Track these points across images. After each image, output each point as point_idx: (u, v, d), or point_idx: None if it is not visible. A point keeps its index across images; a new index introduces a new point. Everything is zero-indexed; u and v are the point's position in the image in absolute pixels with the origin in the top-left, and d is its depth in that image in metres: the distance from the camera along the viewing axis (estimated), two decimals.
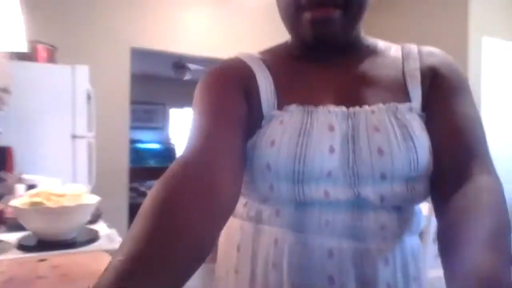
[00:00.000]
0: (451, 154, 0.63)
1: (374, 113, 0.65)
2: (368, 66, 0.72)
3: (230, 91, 0.67)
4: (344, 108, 0.65)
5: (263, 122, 0.67)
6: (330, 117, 0.64)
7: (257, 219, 0.68)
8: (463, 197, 0.55)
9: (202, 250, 0.47)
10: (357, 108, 0.65)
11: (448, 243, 0.52)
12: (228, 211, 0.56)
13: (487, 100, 3.63)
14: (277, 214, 0.65)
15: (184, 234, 0.45)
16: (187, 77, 6.78)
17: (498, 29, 3.75)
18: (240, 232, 0.71)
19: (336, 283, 0.61)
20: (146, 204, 0.48)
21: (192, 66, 6.48)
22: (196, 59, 4.70)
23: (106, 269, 0.40)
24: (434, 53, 0.72)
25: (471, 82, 0.81)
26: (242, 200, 0.72)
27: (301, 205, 0.63)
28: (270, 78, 0.70)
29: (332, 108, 0.65)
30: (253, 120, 0.67)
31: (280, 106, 0.67)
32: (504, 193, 0.55)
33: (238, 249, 0.71)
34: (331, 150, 0.61)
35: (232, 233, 0.73)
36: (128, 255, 0.40)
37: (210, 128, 0.61)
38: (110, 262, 0.41)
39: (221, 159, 0.57)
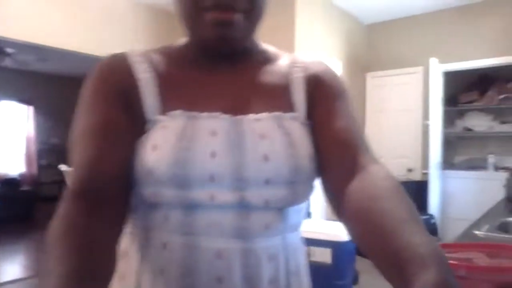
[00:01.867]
0: (340, 151, 0.67)
1: (260, 121, 0.68)
2: (258, 73, 0.74)
3: (111, 103, 0.66)
4: (230, 116, 0.67)
5: (147, 126, 0.67)
6: (213, 123, 0.66)
7: (145, 225, 0.68)
8: (369, 185, 0.59)
9: (114, 262, 0.57)
10: (243, 116, 0.68)
11: (370, 230, 0.52)
12: (123, 225, 0.61)
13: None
14: (165, 218, 0.65)
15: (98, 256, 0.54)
16: (6, 63, 5.85)
17: (318, 45, 4.35)
18: (127, 238, 0.71)
19: (224, 283, 0.63)
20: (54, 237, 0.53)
21: (10, 50, 5.62)
22: (17, 44, 4.08)
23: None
24: (317, 63, 0.77)
25: None
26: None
27: (189, 208, 0.64)
28: (155, 81, 0.69)
29: (217, 114, 0.67)
30: (137, 127, 0.66)
31: (164, 111, 0.67)
32: (389, 172, 0.62)
33: (124, 255, 0.70)
34: (213, 154, 0.63)
35: None
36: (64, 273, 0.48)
37: (95, 153, 0.62)
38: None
39: (110, 182, 0.61)
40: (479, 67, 4.71)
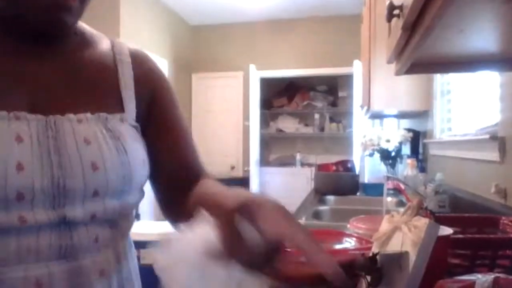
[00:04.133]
0: (180, 162, 0.67)
1: (82, 123, 0.57)
2: (78, 61, 0.63)
3: None
4: (40, 116, 0.55)
5: None
6: (18, 125, 0.53)
7: None
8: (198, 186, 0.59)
9: None
10: (58, 117, 0.56)
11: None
12: None
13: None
14: None
15: None
16: None
17: (143, 40, 4.24)
18: None
19: None
20: None
21: None
22: None
23: None
24: (144, 57, 0.71)
25: None
26: None
27: None
28: None
29: (23, 114, 0.54)
30: None
31: None
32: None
33: None
34: (19, 167, 0.51)
35: None
36: None
37: None
38: None
39: None
40: (288, 76, 5.41)
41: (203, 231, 0.43)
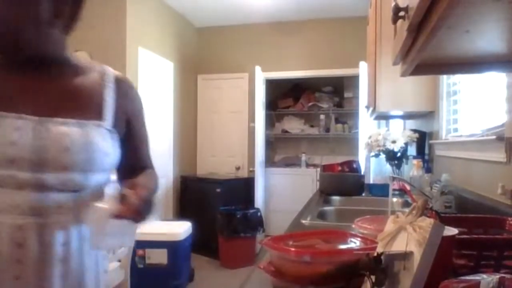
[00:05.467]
0: (135, 158, 1.05)
1: (64, 125, 0.87)
2: (69, 84, 0.92)
3: None
4: (35, 117, 0.85)
5: None
6: (18, 122, 0.83)
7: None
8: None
9: None
10: (49, 119, 0.86)
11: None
12: None
13: (142, 100, 4.05)
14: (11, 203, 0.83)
15: None
16: None
17: (150, 42, 4.26)
18: None
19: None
20: None
21: None
22: None
23: None
24: (128, 86, 1.02)
25: None
26: None
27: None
28: None
29: (23, 115, 0.84)
30: None
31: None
32: (156, 175, 1.09)
33: None
34: (13, 144, 0.82)
35: None
36: None
37: None
38: None
39: None
40: (293, 77, 5.40)
41: (109, 203, 0.83)
